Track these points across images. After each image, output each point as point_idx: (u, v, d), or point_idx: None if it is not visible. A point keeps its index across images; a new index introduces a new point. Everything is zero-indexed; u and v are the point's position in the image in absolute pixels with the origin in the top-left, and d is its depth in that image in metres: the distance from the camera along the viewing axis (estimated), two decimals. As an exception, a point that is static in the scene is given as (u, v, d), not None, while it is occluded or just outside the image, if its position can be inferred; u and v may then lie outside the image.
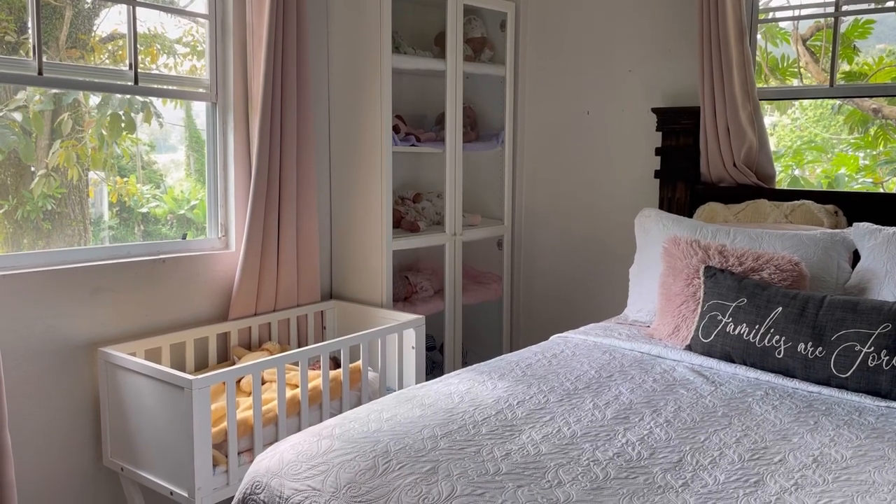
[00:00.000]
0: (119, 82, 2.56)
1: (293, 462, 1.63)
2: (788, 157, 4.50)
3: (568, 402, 1.92)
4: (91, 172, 2.65)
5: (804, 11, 3.28)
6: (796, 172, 4.49)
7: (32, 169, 2.49)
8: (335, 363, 2.75)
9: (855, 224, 2.52)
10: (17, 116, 2.43)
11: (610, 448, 1.64)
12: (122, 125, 2.67)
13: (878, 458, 1.59)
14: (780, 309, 2.13)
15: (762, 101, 3.06)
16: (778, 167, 3.22)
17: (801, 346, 2.06)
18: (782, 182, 4.21)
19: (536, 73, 3.68)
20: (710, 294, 2.32)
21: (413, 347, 2.77)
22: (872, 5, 3.11)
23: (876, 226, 2.45)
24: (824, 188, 4.23)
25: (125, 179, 2.78)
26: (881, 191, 4.29)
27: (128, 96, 2.64)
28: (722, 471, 1.54)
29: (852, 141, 4.45)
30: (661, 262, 2.61)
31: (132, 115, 2.68)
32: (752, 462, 1.58)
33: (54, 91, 2.49)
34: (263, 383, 2.54)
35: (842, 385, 1.99)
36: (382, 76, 2.95)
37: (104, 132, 2.63)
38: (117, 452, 2.36)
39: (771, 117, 4.47)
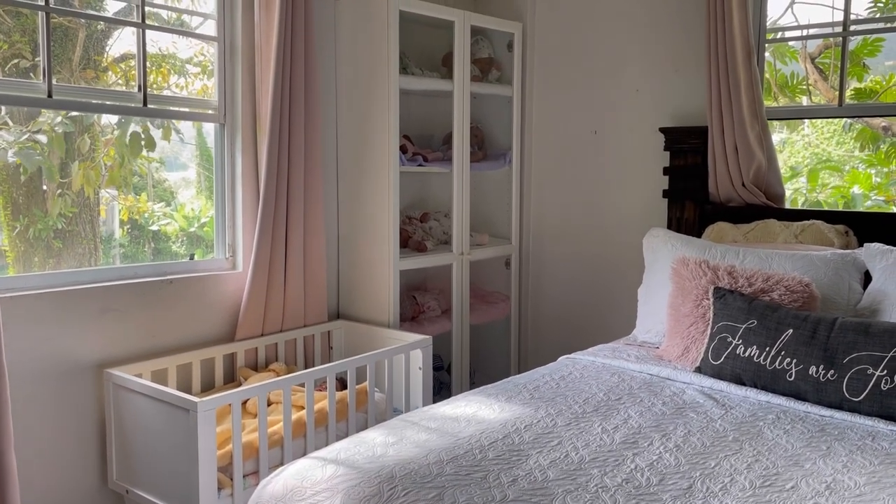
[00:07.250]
0: (128, 104, 2.58)
1: (297, 488, 1.62)
2: (802, 175, 4.47)
3: (576, 426, 1.90)
4: (102, 191, 2.66)
5: (812, 31, 3.27)
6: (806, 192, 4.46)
7: (45, 188, 2.51)
8: (342, 384, 2.74)
9: (866, 244, 2.49)
10: (42, 139, 2.45)
11: (618, 474, 1.62)
12: (143, 142, 2.69)
13: (893, 485, 1.56)
14: (791, 331, 2.10)
15: (771, 120, 3.05)
16: (789, 189, 3.19)
17: (812, 369, 2.03)
18: (797, 203, 4.18)
19: (543, 93, 3.69)
20: (719, 315, 2.29)
21: (420, 368, 2.76)
22: (881, 25, 3.10)
23: (887, 246, 2.42)
24: (840, 207, 4.20)
25: (136, 197, 2.79)
26: (893, 210, 4.25)
27: (146, 114, 2.68)
28: (733, 498, 1.51)
29: (864, 158, 4.42)
30: (669, 282, 2.59)
31: (150, 133, 2.71)
32: (764, 489, 1.55)
33: (74, 113, 2.51)
34: (270, 404, 2.53)
35: (854, 409, 1.95)
36: (390, 97, 2.96)
37: (124, 152, 2.65)
38: (123, 475, 2.35)
39: (780, 134, 4.45)
